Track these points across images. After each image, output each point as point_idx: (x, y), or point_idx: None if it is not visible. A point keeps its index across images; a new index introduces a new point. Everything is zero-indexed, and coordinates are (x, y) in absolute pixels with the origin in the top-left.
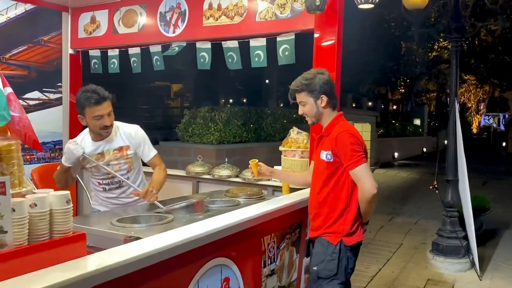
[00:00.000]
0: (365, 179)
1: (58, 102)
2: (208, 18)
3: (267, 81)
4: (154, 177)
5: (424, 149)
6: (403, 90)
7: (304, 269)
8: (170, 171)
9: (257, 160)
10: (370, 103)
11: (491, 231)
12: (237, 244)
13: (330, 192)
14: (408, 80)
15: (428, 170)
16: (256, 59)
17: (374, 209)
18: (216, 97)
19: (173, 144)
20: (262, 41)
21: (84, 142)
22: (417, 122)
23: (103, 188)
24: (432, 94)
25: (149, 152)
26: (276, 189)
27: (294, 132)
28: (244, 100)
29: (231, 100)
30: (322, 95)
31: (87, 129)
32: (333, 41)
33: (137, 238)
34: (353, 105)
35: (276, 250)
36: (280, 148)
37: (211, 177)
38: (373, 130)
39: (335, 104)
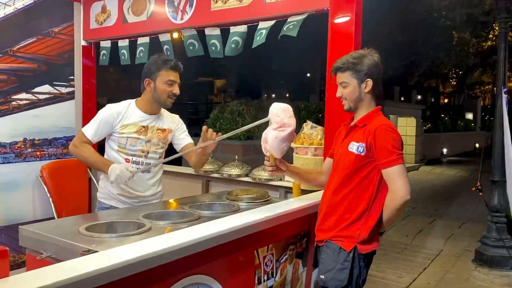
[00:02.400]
0: (400, 181)
1: (70, 96)
2: (217, 2)
3: (308, 74)
4: None
5: (477, 145)
6: (454, 83)
7: (314, 284)
8: (179, 169)
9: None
10: (419, 97)
11: None
12: (220, 258)
13: (351, 190)
14: (460, 72)
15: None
16: (258, 38)
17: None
18: (258, 92)
19: None
20: (270, 23)
21: (127, 111)
22: (469, 116)
23: None
24: (487, 87)
25: (187, 138)
26: (289, 191)
27: (307, 127)
28: (287, 95)
29: (273, 95)
30: (368, 79)
31: (129, 100)
32: (351, 23)
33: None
34: (401, 99)
35: (275, 263)
36: (292, 144)
37: (220, 175)
38: (418, 125)
39: (379, 93)
